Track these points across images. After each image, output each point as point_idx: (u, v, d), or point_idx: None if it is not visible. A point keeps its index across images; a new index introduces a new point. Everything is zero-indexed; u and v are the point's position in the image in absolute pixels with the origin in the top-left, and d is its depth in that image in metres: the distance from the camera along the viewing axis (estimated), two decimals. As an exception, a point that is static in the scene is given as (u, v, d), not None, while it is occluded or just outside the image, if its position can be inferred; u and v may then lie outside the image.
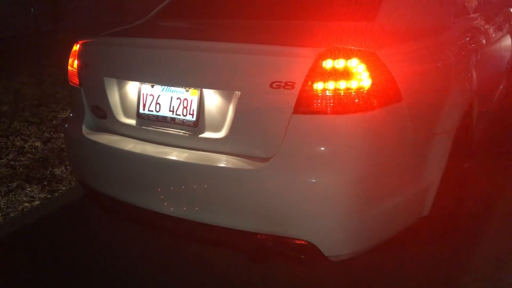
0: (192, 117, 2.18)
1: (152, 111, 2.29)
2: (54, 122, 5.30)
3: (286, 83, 1.93)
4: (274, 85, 1.95)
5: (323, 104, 1.91)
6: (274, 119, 1.99)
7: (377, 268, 2.51)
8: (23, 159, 4.29)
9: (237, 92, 2.05)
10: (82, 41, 2.55)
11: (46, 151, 4.46)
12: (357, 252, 2.13)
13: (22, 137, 4.84)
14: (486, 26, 3.38)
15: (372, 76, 1.93)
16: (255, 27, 2.46)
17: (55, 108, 5.84)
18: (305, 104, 1.92)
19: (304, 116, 1.94)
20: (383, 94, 1.98)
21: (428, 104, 2.30)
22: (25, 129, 5.08)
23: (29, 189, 3.69)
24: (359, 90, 1.91)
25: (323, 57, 1.91)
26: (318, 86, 1.91)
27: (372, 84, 1.93)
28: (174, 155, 2.19)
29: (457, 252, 2.62)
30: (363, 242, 2.11)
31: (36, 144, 4.63)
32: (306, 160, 1.96)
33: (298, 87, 1.92)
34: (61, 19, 13.58)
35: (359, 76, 1.91)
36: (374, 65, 1.95)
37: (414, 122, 2.15)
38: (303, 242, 2.02)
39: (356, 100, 1.91)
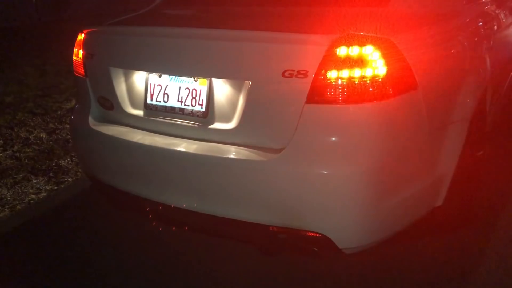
0: (201, 108, 2.13)
1: (160, 101, 2.24)
2: (59, 112, 5.26)
3: (298, 72, 1.88)
4: (286, 74, 1.89)
5: (337, 93, 1.86)
6: (286, 109, 1.94)
7: (391, 259, 2.47)
8: (28, 150, 4.25)
9: (247, 81, 1.99)
10: (87, 31, 2.50)
11: (51, 142, 4.42)
12: (371, 244, 2.09)
13: (27, 128, 4.80)
14: (497, 11, 3.31)
15: (388, 63, 1.87)
16: (266, 14, 2.40)
17: (59, 98, 5.79)
18: (319, 93, 1.87)
19: (318, 106, 1.88)
20: (399, 82, 1.93)
21: (443, 92, 2.24)
22: (30, 120, 5.04)
23: (35, 181, 3.66)
24: (374, 78, 1.86)
25: (337, 44, 1.86)
26: (332, 74, 1.85)
27: (387, 72, 1.87)
28: (183, 146, 2.14)
29: (472, 242, 2.58)
30: (377, 233, 2.07)
31: (41, 135, 4.59)
32: (319, 151, 1.91)
33: (311, 75, 1.87)
34: (63, 9, 13.48)
35: (374, 64, 1.85)
36: (389, 52, 1.90)
37: (429, 110, 2.09)
38: (316, 235, 1.97)
39: (371, 89, 1.86)
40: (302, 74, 1.87)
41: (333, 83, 1.85)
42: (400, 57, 1.93)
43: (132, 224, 2.88)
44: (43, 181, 3.65)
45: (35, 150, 4.25)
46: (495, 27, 3.14)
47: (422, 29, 2.22)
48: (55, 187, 3.57)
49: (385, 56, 1.87)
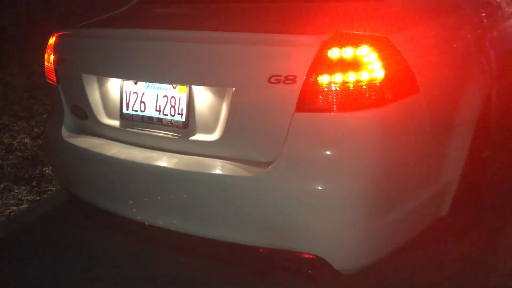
0: (181, 117, 1.96)
1: (136, 110, 2.06)
2: (44, 116, 5.08)
3: (286, 77, 1.71)
4: (273, 80, 1.73)
5: (330, 99, 1.70)
6: (274, 118, 1.77)
7: (393, 273, 2.31)
8: (11, 157, 4.08)
9: (231, 88, 1.83)
10: (58, 33, 2.33)
11: (35, 148, 4.25)
12: (371, 263, 1.92)
13: (11, 133, 4.62)
14: (498, 1, 3.16)
15: (386, 65, 1.71)
16: (249, 12, 2.22)
17: (45, 100, 5.61)
18: (309, 101, 1.71)
19: (308, 115, 1.72)
20: (398, 85, 1.77)
21: (447, 93, 2.07)
22: (14, 124, 4.87)
23: (17, 191, 3.49)
24: (371, 82, 1.69)
25: (328, 45, 1.69)
26: (324, 79, 1.69)
27: (385, 75, 1.71)
28: (163, 160, 1.98)
29: (479, 253, 2.42)
30: (378, 252, 1.90)
31: (25, 141, 4.42)
32: (312, 164, 1.74)
33: (300, 81, 1.70)
34: (54, 7, 13.28)
35: (371, 66, 1.69)
36: (387, 53, 1.74)
37: (431, 115, 1.93)
38: (311, 256, 1.81)
39: (368, 94, 1.70)
40: (290, 79, 1.71)
41: (325, 88, 1.69)
42: (399, 57, 1.78)
43: (116, 238, 2.71)
44: (25, 191, 3.49)
45: (19, 157, 4.08)
46: (498, 19, 3.02)
47: (422, 26, 2.06)
48: (38, 197, 3.40)
49: (382, 57, 1.71)
